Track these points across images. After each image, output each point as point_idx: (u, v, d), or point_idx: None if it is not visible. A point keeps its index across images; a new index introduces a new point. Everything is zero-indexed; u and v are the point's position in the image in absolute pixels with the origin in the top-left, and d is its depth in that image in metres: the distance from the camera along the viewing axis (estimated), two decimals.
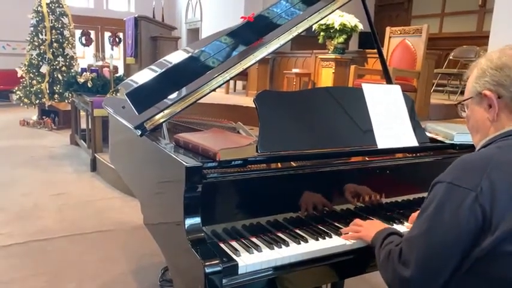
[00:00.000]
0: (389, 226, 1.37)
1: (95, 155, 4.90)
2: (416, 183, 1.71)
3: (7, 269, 2.66)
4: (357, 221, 1.43)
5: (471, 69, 1.17)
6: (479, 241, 0.95)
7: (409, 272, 1.01)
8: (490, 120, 1.11)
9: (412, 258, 1.01)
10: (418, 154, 1.72)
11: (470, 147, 1.78)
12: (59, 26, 7.82)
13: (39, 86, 7.63)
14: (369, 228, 1.33)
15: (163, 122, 1.60)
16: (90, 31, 11.82)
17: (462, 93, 6.52)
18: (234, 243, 1.29)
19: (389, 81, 2.12)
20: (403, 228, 1.48)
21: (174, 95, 1.61)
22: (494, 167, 0.97)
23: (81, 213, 3.62)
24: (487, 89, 1.09)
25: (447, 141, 1.80)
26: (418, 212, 1.49)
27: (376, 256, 1.20)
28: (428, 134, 1.83)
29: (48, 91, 7.63)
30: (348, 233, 1.39)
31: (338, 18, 5.43)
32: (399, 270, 1.04)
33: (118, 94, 2.62)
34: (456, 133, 1.78)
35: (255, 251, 1.25)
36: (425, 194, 1.65)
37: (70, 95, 6.48)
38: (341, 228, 1.44)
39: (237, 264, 1.18)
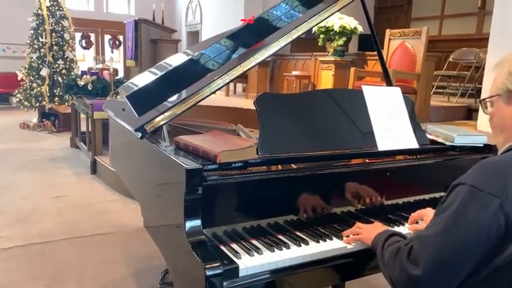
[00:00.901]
0: (390, 228, 1.36)
1: (95, 157, 4.90)
2: (417, 185, 1.70)
3: (7, 272, 2.65)
4: (358, 224, 1.42)
5: (501, 65, 1.10)
6: (501, 250, 0.92)
7: (419, 271, 0.96)
8: None
9: (424, 257, 0.97)
10: (418, 156, 1.72)
11: (470, 149, 1.79)
12: (59, 29, 7.83)
13: (39, 88, 7.63)
14: (369, 231, 1.32)
15: (164, 124, 1.60)
16: (90, 34, 11.82)
17: (462, 95, 6.56)
18: (234, 246, 1.29)
19: (389, 83, 2.12)
20: (404, 230, 1.48)
21: (174, 98, 1.61)
22: None
23: (81, 216, 3.62)
24: None
25: (448, 143, 1.80)
26: (416, 212, 1.50)
27: (379, 257, 1.17)
28: (428, 136, 1.83)
29: (48, 94, 7.63)
30: (348, 236, 1.39)
31: (338, 20, 5.44)
32: (408, 268, 0.99)
33: (118, 97, 2.62)
34: (457, 135, 1.78)
35: (255, 254, 1.25)
36: (426, 196, 1.68)
37: (70, 97, 6.48)
38: (342, 230, 1.44)
39: (238, 267, 1.18)
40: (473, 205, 0.94)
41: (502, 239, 0.92)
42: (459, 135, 1.78)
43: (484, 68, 5.28)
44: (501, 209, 0.91)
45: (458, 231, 0.95)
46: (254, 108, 1.48)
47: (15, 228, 3.31)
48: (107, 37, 12.54)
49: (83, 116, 5.85)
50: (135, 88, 1.93)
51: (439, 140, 1.84)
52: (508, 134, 1.09)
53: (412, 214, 1.51)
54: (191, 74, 1.66)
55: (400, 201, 1.65)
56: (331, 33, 5.58)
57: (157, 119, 1.56)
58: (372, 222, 1.52)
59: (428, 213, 1.44)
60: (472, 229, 0.93)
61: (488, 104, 1.14)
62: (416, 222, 1.49)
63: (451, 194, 1.01)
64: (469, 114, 5.94)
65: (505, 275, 0.93)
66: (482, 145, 1.81)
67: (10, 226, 3.36)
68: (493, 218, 0.91)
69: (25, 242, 3.07)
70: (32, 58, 7.71)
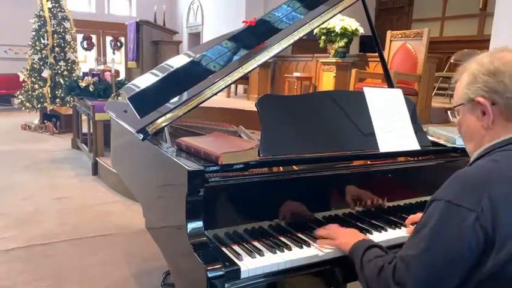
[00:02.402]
0: (366, 237, 1.34)
1: (97, 159, 4.91)
2: (418, 187, 1.70)
3: (9, 273, 2.65)
4: (330, 226, 1.39)
5: (460, 73, 1.12)
6: (481, 262, 0.92)
7: None
8: (484, 128, 1.06)
9: (410, 279, 0.97)
10: (420, 158, 1.72)
11: None
12: (61, 30, 7.85)
13: (41, 90, 7.65)
14: (346, 236, 1.29)
15: (165, 126, 1.60)
16: (91, 35, 11.84)
17: None
18: (236, 248, 1.29)
19: (390, 84, 2.13)
20: (402, 233, 1.48)
21: (175, 99, 1.61)
22: (493, 183, 0.93)
23: (82, 217, 3.62)
24: (480, 95, 1.04)
25: (449, 145, 1.80)
26: (416, 215, 1.50)
27: (357, 267, 1.16)
28: (430, 138, 1.83)
29: (49, 95, 7.65)
30: (323, 239, 1.35)
31: (339, 22, 5.44)
32: None
33: (119, 98, 2.62)
34: (458, 137, 1.77)
35: (257, 255, 1.25)
36: (427, 198, 1.68)
37: (72, 99, 6.49)
38: None
39: (239, 269, 1.18)
40: (451, 221, 0.95)
41: (481, 251, 0.92)
42: (460, 137, 1.77)
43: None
44: (478, 222, 0.91)
45: (439, 249, 0.95)
46: (255, 109, 1.48)
47: (17, 230, 3.32)
48: (109, 38, 12.56)
49: (84, 117, 5.86)
50: (137, 90, 1.93)
51: (441, 141, 1.84)
52: (476, 141, 1.10)
53: (411, 216, 1.52)
54: (193, 75, 1.66)
55: (401, 202, 1.64)
56: (333, 35, 5.58)
57: (159, 120, 1.57)
58: (374, 224, 1.53)
59: None
60: (453, 245, 0.93)
61: (455, 112, 1.15)
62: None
63: (428, 210, 1.01)
64: None
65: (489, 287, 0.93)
66: None
67: (12, 227, 3.36)
68: (472, 231, 0.91)
69: (27, 243, 3.07)
70: (33, 59, 7.73)
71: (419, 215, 1.49)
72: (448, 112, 1.20)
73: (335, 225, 1.39)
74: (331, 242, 1.33)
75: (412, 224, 1.50)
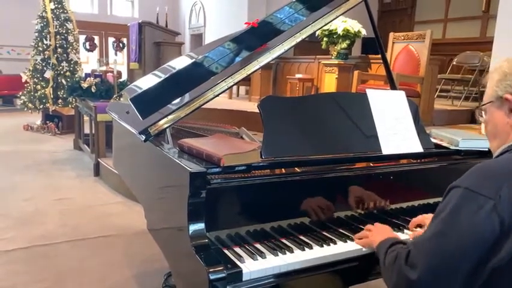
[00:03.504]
0: (395, 235, 1.35)
1: (98, 159, 4.90)
2: (421, 190, 1.70)
3: (9, 274, 2.65)
4: (368, 226, 1.41)
5: (492, 73, 1.14)
6: (495, 251, 0.92)
7: (416, 275, 0.97)
8: (510, 126, 1.08)
9: (421, 261, 0.98)
10: (423, 160, 1.71)
11: (475, 154, 1.78)
12: (63, 31, 7.87)
13: (43, 91, 7.66)
14: (376, 235, 1.31)
15: (167, 127, 1.60)
16: (94, 36, 11.91)
17: (466, 98, 6.53)
18: (238, 250, 1.28)
19: (393, 86, 2.12)
20: (405, 236, 1.47)
21: (178, 101, 1.61)
22: None
23: (83, 218, 3.62)
24: (508, 92, 1.07)
25: (452, 147, 1.79)
26: (417, 217, 1.50)
27: (381, 263, 1.18)
28: (433, 140, 1.82)
29: (52, 96, 7.67)
30: (360, 238, 1.38)
31: (341, 23, 5.43)
32: (405, 272, 1.01)
33: (122, 99, 2.62)
34: (461, 139, 1.77)
35: (259, 258, 1.24)
36: (430, 200, 1.67)
37: (74, 100, 6.50)
38: (346, 234, 1.43)
39: (241, 271, 1.18)
40: (467, 207, 0.96)
41: (496, 240, 0.92)
42: (464, 139, 1.77)
43: (488, 72, 5.25)
44: (495, 210, 0.92)
45: (453, 233, 0.96)
46: (257, 111, 1.47)
47: (18, 231, 3.32)
48: (111, 39, 12.62)
49: (86, 118, 5.86)
50: (139, 91, 1.93)
51: (444, 144, 1.83)
52: (501, 138, 1.11)
53: (414, 219, 1.51)
54: (195, 77, 1.66)
55: (404, 205, 1.64)
56: (335, 37, 5.57)
57: (161, 122, 1.56)
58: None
59: (429, 219, 1.43)
60: (467, 230, 0.94)
61: (482, 112, 1.17)
62: (420, 226, 1.48)
63: (446, 197, 1.03)
64: (473, 118, 5.91)
65: (502, 278, 0.93)
66: (487, 149, 1.79)
67: (13, 228, 3.36)
68: (487, 219, 0.92)
69: (28, 244, 3.07)
70: (36, 60, 7.75)
71: (422, 217, 1.48)
72: (476, 111, 1.22)
73: (369, 225, 1.42)
74: (364, 240, 1.35)
75: (416, 227, 1.49)
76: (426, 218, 1.46)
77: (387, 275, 1.11)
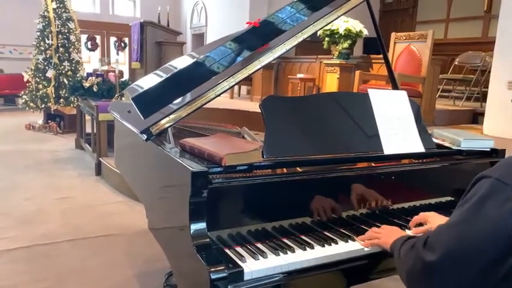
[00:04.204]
0: (408, 233, 1.34)
1: (100, 159, 4.91)
2: (423, 190, 1.69)
3: (11, 273, 2.65)
4: (374, 229, 1.40)
5: None
6: None
7: (435, 257, 0.96)
8: None
9: (440, 245, 0.96)
10: (424, 160, 1.71)
11: (477, 154, 1.77)
12: (65, 31, 7.88)
13: (45, 90, 7.67)
14: (388, 235, 1.30)
15: (169, 126, 1.60)
16: (96, 36, 11.92)
17: (468, 99, 6.52)
18: (239, 249, 1.28)
19: (395, 86, 2.12)
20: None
21: (179, 100, 1.61)
22: None
23: (85, 218, 3.62)
24: None
25: (454, 147, 1.78)
26: (419, 215, 1.49)
27: (396, 258, 1.16)
28: (434, 140, 1.82)
29: (54, 95, 7.67)
30: (365, 239, 1.37)
31: (343, 23, 5.43)
32: (423, 255, 0.99)
33: (123, 99, 2.63)
34: (463, 139, 1.76)
35: (260, 257, 1.24)
36: (431, 200, 1.67)
37: (75, 99, 6.51)
38: (347, 234, 1.43)
39: (243, 271, 1.17)
40: (496, 197, 0.93)
41: None
42: (466, 139, 1.77)
43: (489, 72, 5.25)
44: None
45: (477, 221, 0.94)
46: (259, 110, 1.47)
47: (20, 230, 3.32)
48: (113, 39, 12.64)
49: (88, 117, 5.87)
50: (141, 90, 1.93)
51: (446, 144, 1.83)
52: None
53: (415, 217, 1.51)
54: (196, 76, 1.66)
55: (406, 205, 1.63)
56: (336, 36, 5.58)
57: (163, 121, 1.56)
58: (378, 226, 1.51)
59: (431, 217, 1.44)
60: (492, 220, 0.92)
61: None
62: (421, 225, 1.48)
63: (475, 186, 1.00)
64: (475, 118, 5.91)
65: None
66: (489, 149, 1.79)
67: (14, 227, 3.37)
68: None
69: (29, 243, 3.07)
70: (38, 60, 7.76)
71: (423, 215, 1.48)
72: None
73: (374, 228, 1.41)
74: (374, 241, 1.34)
75: (417, 225, 1.49)
76: (428, 216, 1.46)
77: (402, 263, 1.09)
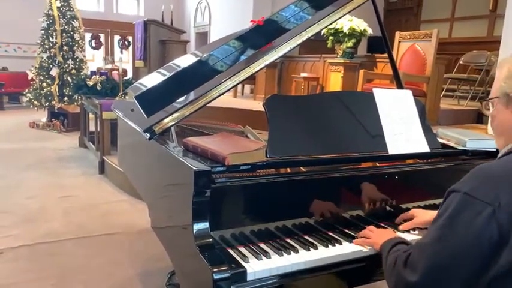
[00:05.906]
0: (399, 236, 1.35)
1: (103, 157, 4.92)
2: (428, 190, 1.68)
3: (14, 271, 2.66)
4: (370, 227, 1.41)
5: (500, 67, 1.11)
6: (495, 258, 0.90)
7: (416, 278, 0.98)
8: None
9: (421, 265, 0.98)
10: (429, 160, 1.69)
11: (482, 154, 1.76)
12: (69, 29, 7.89)
13: (49, 88, 7.69)
14: (379, 236, 1.31)
15: (172, 125, 1.59)
16: (99, 34, 11.94)
17: (473, 98, 6.48)
18: (242, 249, 1.27)
19: (400, 85, 2.10)
20: (411, 236, 1.46)
21: (182, 99, 1.60)
22: None
23: (88, 216, 3.63)
24: None
25: (459, 147, 1.77)
26: (406, 213, 1.50)
27: (383, 263, 1.18)
28: (439, 140, 1.80)
29: (57, 94, 7.70)
30: (360, 238, 1.37)
31: (347, 22, 5.41)
32: (405, 274, 1.01)
33: (127, 97, 2.62)
34: (469, 139, 1.75)
35: (263, 258, 1.23)
36: (436, 201, 1.66)
37: (79, 97, 6.52)
38: (351, 234, 1.42)
39: (246, 271, 1.17)
40: (466, 212, 0.94)
41: (495, 247, 0.90)
42: (471, 139, 1.75)
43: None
44: (494, 216, 0.90)
45: (452, 239, 0.95)
46: (262, 109, 1.46)
47: (23, 228, 3.33)
48: (117, 38, 12.65)
49: (91, 116, 5.88)
50: (144, 89, 1.93)
51: (451, 144, 1.81)
52: (508, 136, 1.09)
53: (402, 214, 1.52)
54: (200, 75, 1.65)
55: (410, 205, 1.62)
56: (340, 35, 5.55)
57: (166, 120, 1.56)
58: (382, 226, 1.50)
59: (418, 212, 1.48)
60: (466, 236, 0.93)
61: (490, 105, 1.14)
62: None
63: (446, 201, 1.02)
64: (479, 117, 5.86)
65: (503, 285, 0.91)
66: (495, 149, 1.77)
67: (18, 225, 3.38)
68: (486, 225, 0.90)
69: (32, 241, 3.08)
70: (42, 58, 7.78)
71: (409, 212, 1.51)
72: (482, 104, 1.20)
73: (371, 226, 1.42)
74: (366, 240, 1.34)
75: (404, 221, 1.50)
76: (415, 212, 1.49)
77: (387, 276, 1.11)
